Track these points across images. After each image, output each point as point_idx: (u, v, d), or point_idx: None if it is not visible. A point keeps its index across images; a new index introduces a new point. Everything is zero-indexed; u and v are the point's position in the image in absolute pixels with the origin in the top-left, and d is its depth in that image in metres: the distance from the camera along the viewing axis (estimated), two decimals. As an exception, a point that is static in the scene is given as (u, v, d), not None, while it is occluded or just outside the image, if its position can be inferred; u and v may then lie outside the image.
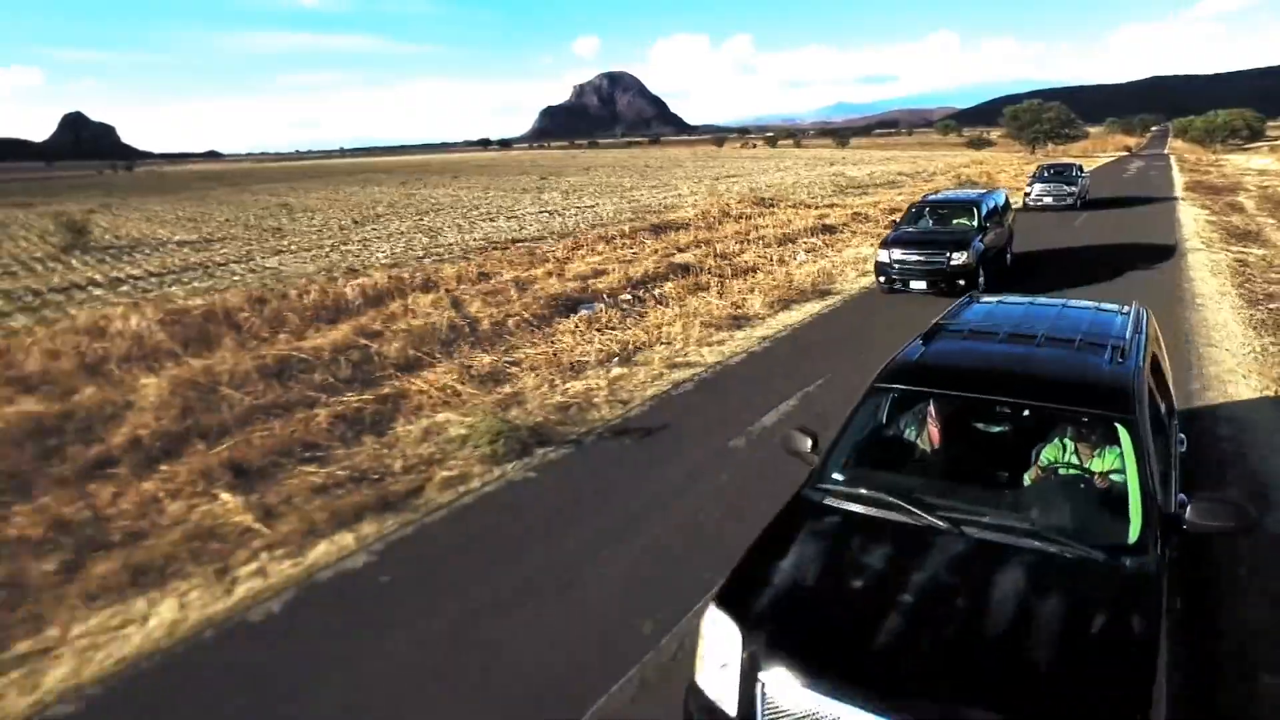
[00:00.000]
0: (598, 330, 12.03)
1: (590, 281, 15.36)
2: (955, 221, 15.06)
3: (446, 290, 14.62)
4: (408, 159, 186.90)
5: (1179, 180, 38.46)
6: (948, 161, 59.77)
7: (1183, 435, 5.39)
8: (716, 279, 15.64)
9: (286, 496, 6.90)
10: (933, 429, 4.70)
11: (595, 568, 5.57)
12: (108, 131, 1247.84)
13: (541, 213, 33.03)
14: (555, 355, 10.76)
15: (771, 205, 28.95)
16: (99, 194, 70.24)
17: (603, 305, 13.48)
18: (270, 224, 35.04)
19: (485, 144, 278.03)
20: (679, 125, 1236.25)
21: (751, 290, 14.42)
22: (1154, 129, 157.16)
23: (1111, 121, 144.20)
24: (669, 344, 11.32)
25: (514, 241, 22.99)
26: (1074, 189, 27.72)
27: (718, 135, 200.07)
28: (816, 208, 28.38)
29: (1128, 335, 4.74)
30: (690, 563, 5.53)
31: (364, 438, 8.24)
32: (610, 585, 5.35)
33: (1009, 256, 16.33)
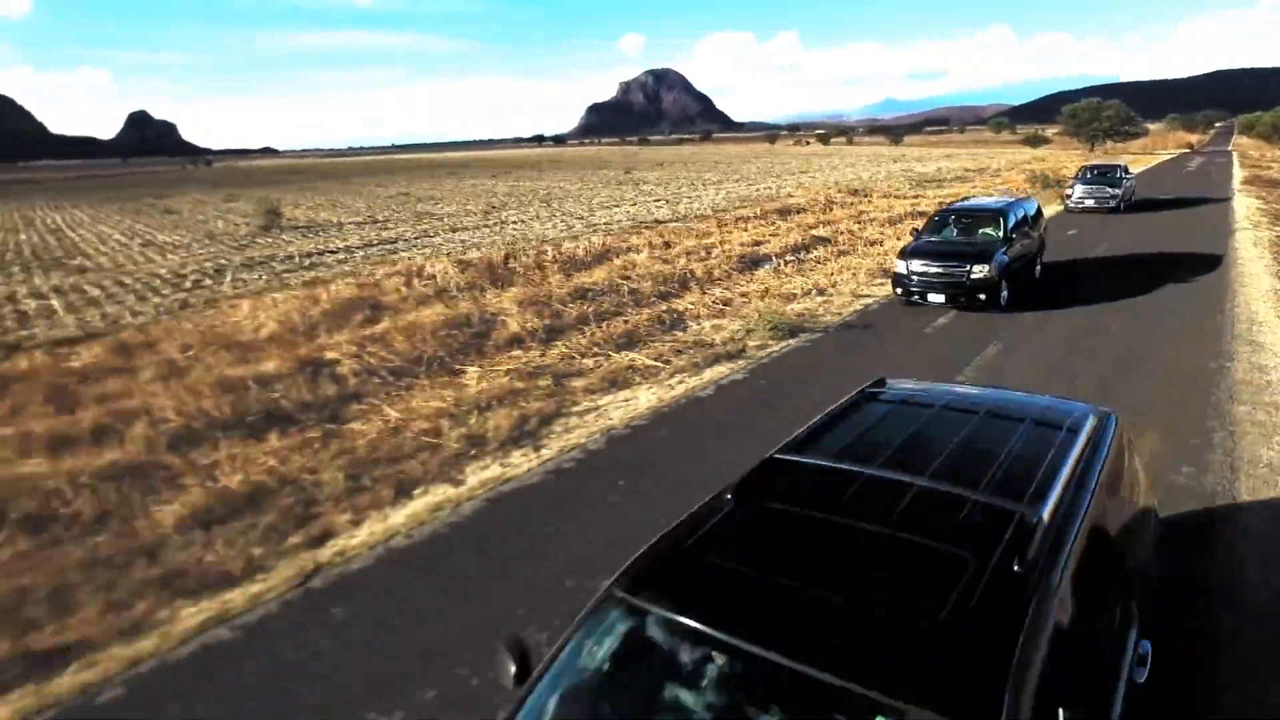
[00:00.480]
0: (785, 277, 16.43)
1: (754, 249, 19.76)
2: (981, 232, 14.52)
3: (650, 248, 19.16)
4: (468, 155, 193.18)
5: (1238, 175, 41.47)
6: (1009, 158, 62.74)
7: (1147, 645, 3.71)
8: (853, 247, 19.92)
9: (659, 354, 11.41)
10: None
11: (862, 376, 9.98)
12: (170, 129, 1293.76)
13: (653, 201, 37.51)
14: (766, 290, 15.19)
15: (865, 195, 33.05)
16: (200, 188, 76.64)
17: (779, 262, 17.87)
18: (413, 209, 40.17)
19: (540, 140, 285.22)
20: (724, 122, 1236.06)
21: (885, 255, 18.66)
22: (1217, 125, 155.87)
23: (1172, 118, 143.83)
24: (845, 285, 15.68)
25: (657, 222, 27.47)
26: (1117, 191, 26.89)
27: (769, 132, 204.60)
28: (904, 197, 32.38)
29: (1060, 483, 3.31)
30: (906, 373, 9.89)
31: (674, 332, 12.76)
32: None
33: (1038, 268, 15.78)
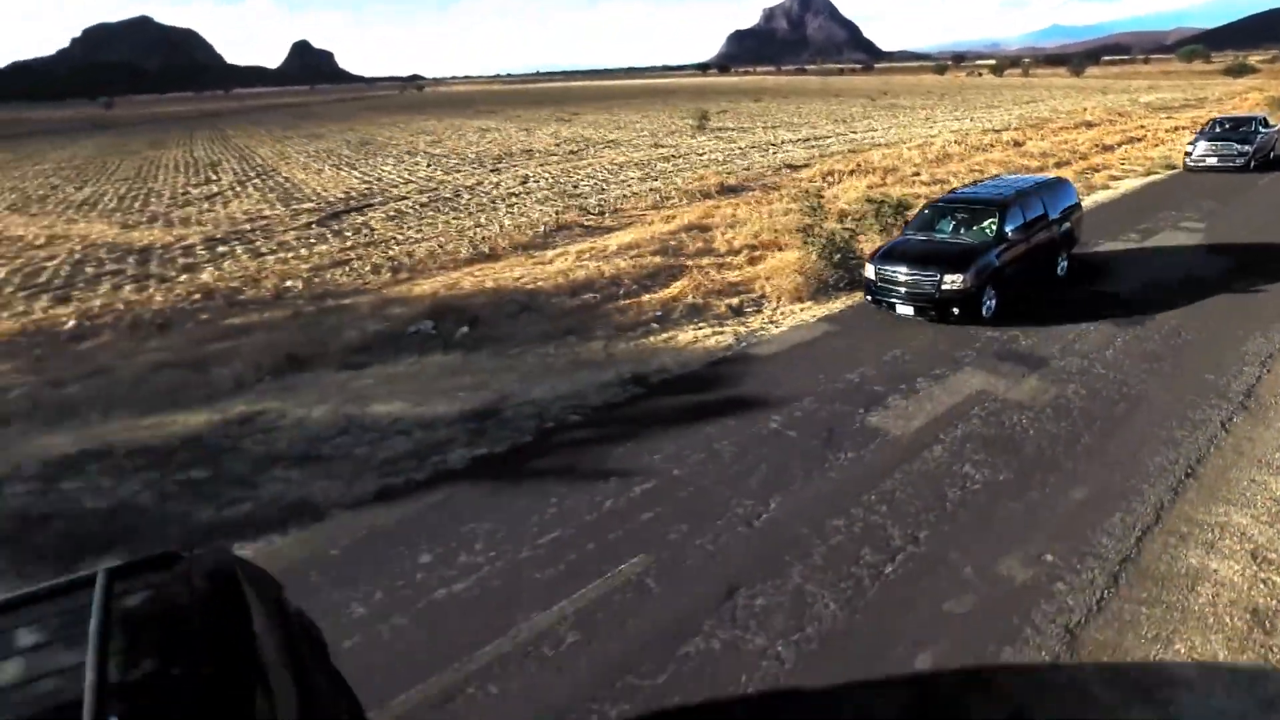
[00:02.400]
0: (1138, 149, 29.35)
1: (1072, 143, 32.50)
2: (977, 227, 12.44)
3: (1015, 142, 32.46)
4: (635, 83, 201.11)
5: None
6: (1227, 88, 68.87)
7: None
8: (1160, 141, 32.42)
9: (1122, 171, 24.89)
10: None
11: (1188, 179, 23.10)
12: (328, 58, 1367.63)
13: (993, 112, 49.84)
14: (1133, 156, 28.21)
15: (1123, 116, 44.41)
16: (456, 110, 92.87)
17: (1123, 148, 30.82)
18: (776, 121, 54.20)
19: (703, 69, 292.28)
20: (871, 50, 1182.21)
21: (1174, 146, 31.00)
22: None
23: None
24: (1169, 154, 28.45)
25: (1043, 121, 40.26)
26: (1247, 148, 24.60)
27: (937, 63, 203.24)
28: (1157, 118, 43.48)
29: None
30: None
31: (1119, 162, 26.14)
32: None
33: (1063, 264, 13.89)
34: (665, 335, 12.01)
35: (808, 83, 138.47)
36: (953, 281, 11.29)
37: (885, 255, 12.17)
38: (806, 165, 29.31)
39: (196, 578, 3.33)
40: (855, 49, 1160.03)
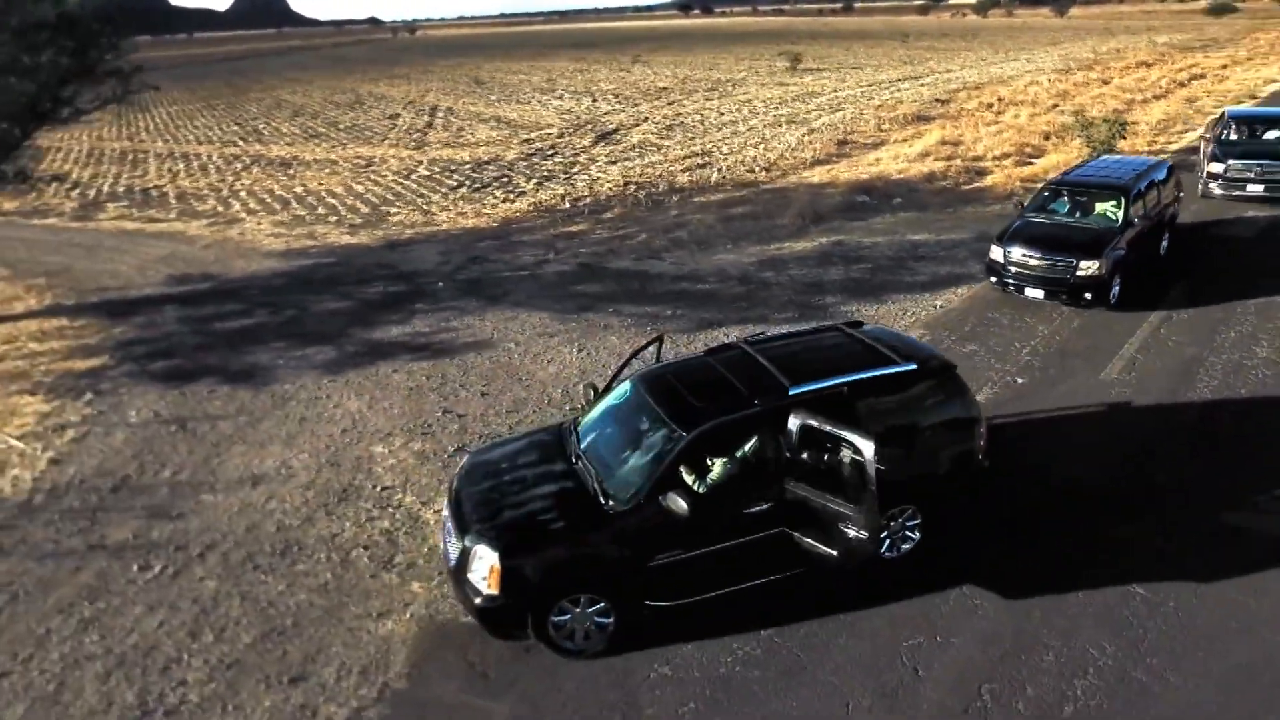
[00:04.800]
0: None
1: (1150, 81, 39.22)
2: (1097, 210, 12.56)
3: (1102, 80, 39.14)
4: (633, 24, 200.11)
5: None
6: (1228, 28, 75.32)
7: None
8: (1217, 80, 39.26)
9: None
10: None
11: None
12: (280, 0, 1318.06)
13: (979, 66, 56.07)
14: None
15: (1164, 56, 51.24)
16: (455, 53, 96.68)
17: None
18: (852, 65, 59.88)
19: (685, 9, 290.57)
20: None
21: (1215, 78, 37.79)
22: None
23: None
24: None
25: (1118, 52, 46.70)
26: None
27: (920, 4, 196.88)
28: (1194, 56, 50.30)
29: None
30: None
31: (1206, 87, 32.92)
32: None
33: (1165, 243, 14.03)
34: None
35: (810, 24, 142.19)
36: (1088, 268, 11.38)
37: (1012, 238, 12.28)
38: (948, 100, 35.61)
39: (934, 360, 6.99)
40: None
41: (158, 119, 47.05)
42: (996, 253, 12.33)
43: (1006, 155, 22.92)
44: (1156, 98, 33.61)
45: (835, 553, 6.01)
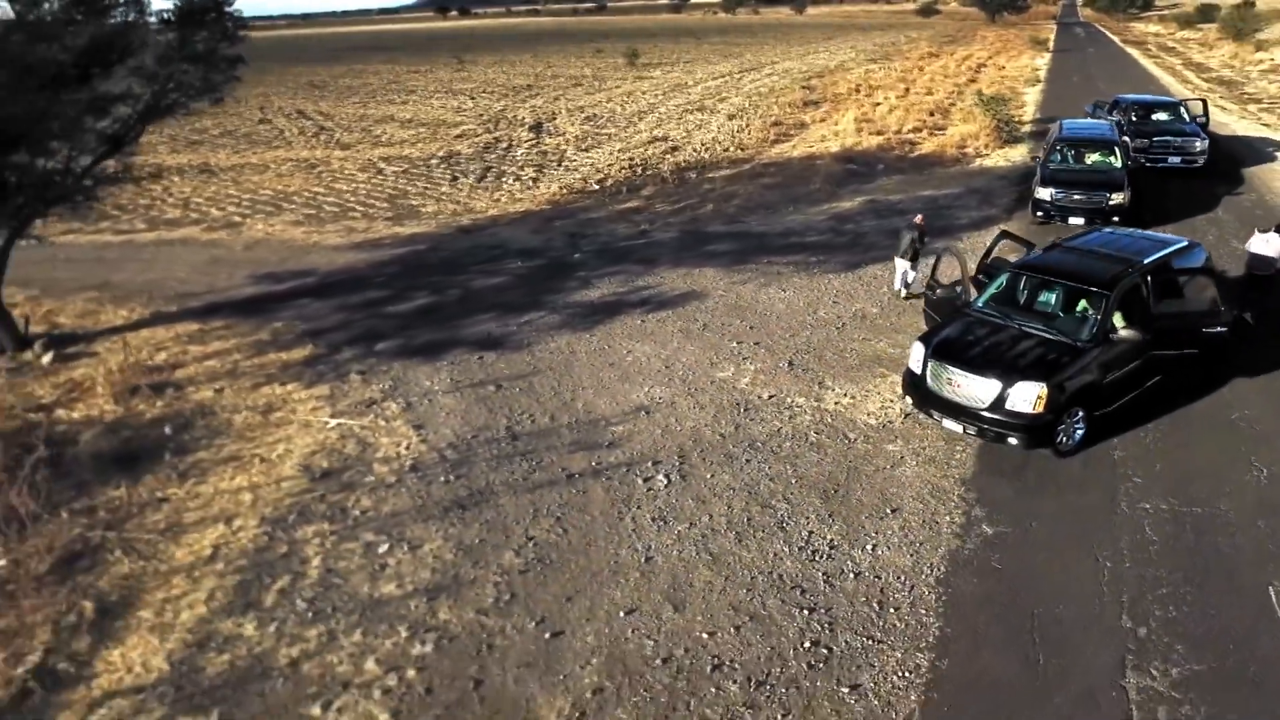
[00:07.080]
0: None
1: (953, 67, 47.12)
2: (1098, 157, 17.15)
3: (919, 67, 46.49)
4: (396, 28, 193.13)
5: (1115, 39, 72.09)
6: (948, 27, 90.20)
7: None
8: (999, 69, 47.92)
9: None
10: None
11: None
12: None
13: (796, 59, 63.17)
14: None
15: (936, 54, 60.70)
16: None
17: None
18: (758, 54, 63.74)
19: (443, 10, 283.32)
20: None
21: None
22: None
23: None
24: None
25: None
26: (1194, 152, 19.41)
27: (671, 2, 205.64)
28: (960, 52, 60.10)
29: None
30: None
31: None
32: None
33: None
34: (969, 166, 22.93)
35: (581, 24, 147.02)
36: (1118, 198, 15.88)
37: (1050, 180, 16.47)
38: (811, 88, 40.50)
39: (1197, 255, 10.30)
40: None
41: None
42: (1043, 193, 16.36)
43: (918, 129, 27.56)
44: (970, 81, 40.65)
45: (1197, 350, 9.40)
